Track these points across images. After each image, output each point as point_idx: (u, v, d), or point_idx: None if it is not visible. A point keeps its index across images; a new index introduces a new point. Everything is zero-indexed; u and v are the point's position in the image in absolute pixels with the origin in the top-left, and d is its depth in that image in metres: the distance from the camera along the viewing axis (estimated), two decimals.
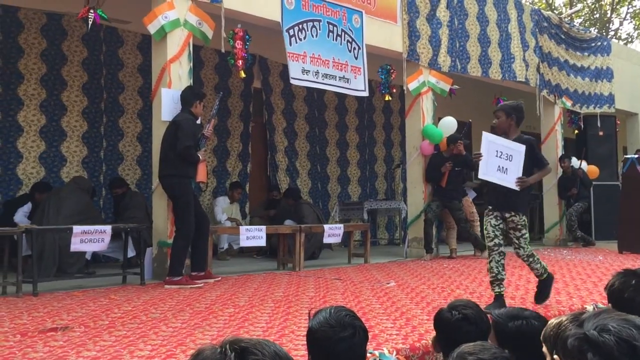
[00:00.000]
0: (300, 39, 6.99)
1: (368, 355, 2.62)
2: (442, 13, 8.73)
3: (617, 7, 26.45)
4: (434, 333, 2.39)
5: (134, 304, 4.44)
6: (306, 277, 6.11)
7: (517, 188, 4.27)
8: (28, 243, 5.33)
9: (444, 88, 8.75)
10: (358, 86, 7.65)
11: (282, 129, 9.91)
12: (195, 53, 6.77)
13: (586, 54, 11.56)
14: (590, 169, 10.73)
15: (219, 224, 8.17)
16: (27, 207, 6.58)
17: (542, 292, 4.47)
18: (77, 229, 5.17)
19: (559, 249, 9.83)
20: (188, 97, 5.71)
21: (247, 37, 6.41)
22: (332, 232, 7.25)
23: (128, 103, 8.14)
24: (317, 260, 7.88)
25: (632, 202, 8.93)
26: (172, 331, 3.49)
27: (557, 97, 10.73)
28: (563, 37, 11.05)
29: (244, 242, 6.47)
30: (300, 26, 7.00)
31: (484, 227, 4.42)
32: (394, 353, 3.02)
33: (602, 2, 26.36)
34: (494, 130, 4.58)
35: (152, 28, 5.87)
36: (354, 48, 7.57)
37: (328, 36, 7.28)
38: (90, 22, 5.65)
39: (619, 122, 12.31)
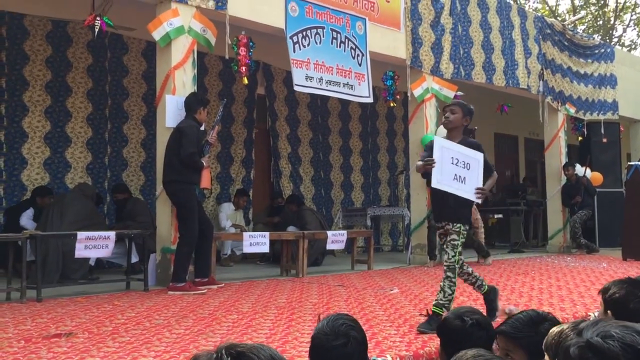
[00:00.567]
0: (304, 46, 7.01)
1: None
2: (445, 20, 8.75)
3: (621, 14, 26.46)
4: (438, 341, 2.39)
5: (138, 310, 4.45)
6: (309, 283, 6.11)
7: (477, 200, 3.96)
8: (32, 249, 5.35)
9: (448, 95, 8.76)
10: (362, 93, 7.67)
11: (286, 135, 9.93)
12: (199, 60, 6.80)
13: (590, 60, 11.57)
14: (594, 176, 10.70)
15: (224, 230, 8.17)
16: (30, 212, 6.61)
17: (430, 320, 3.74)
18: (81, 235, 5.18)
19: (563, 255, 9.80)
20: (192, 103, 5.73)
21: (251, 44, 6.44)
22: (336, 239, 7.25)
23: (132, 109, 8.17)
24: (320, 267, 7.87)
25: (636, 209, 8.90)
26: (175, 337, 3.49)
27: (560, 104, 10.73)
28: (566, 44, 11.06)
29: (247, 249, 6.47)
30: (304, 33, 7.03)
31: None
32: None
33: (606, 9, 26.38)
34: (445, 125, 4.14)
35: (156, 35, 5.90)
36: (358, 55, 7.59)
37: (332, 43, 7.30)
38: (96, 30, 5.69)
39: (622, 129, 12.29)
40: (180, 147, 5.48)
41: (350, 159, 10.91)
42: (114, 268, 7.20)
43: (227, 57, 6.29)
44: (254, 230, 8.46)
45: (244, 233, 6.87)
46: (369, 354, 2.14)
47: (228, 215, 8.49)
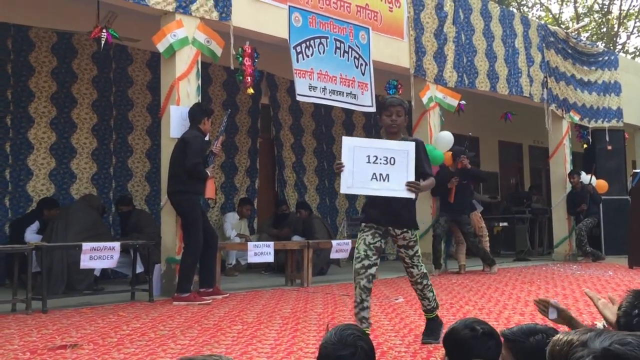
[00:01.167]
0: (308, 56, 7.04)
1: None
2: (449, 29, 8.78)
3: (624, 21, 26.47)
4: (442, 351, 2.37)
5: (143, 320, 4.45)
6: (314, 293, 6.10)
7: (409, 195, 3.53)
8: (37, 260, 5.36)
9: (452, 103, 8.77)
10: (365, 102, 7.68)
11: (290, 144, 9.94)
12: (203, 70, 6.83)
13: (593, 68, 11.57)
14: (599, 184, 10.68)
15: (229, 240, 8.17)
16: (35, 226, 6.62)
17: (433, 331, 3.70)
18: (86, 245, 5.20)
19: (569, 264, 9.76)
20: (196, 114, 5.76)
21: (255, 54, 6.47)
22: (340, 248, 7.24)
23: (137, 120, 8.20)
24: (325, 276, 7.86)
25: None
26: (180, 348, 3.49)
27: (564, 112, 10.73)
28: (570, 51, 11.07)
29: (252, 258, 6.47)
30: (308, 43, 7.06)
31: (356, 246, 3.66)
32: None
33: (609, 17, 26.40)
34: (392, 129, 3.73)
35: (161, 46, 5.94)
36: (361, 64, 7.61)
37: (335, 53, 7.33)
38: (103, 42, 5.73)
39: (627, 136, 12.27)
40: (185, 158, 5.50)
41: None
42: (118, 278, 7.20)
43: (232, 67, 6.32)
44: (258, 239, 8.45)
45: (248, 243, 6.87)
46: None
47: (233, 224, 8.50)
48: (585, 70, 11.37)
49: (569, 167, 10.63)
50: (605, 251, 10.55)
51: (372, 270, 3.58)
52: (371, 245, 3.60)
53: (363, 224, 3.70)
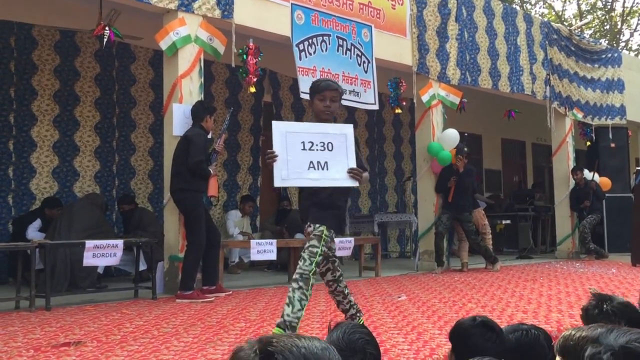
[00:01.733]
0: (310, 54, 7.03)
1: None
2: (451, 26, 8.76)
3: (628, 18, 26.40)
4: (447, 347, 2.37)
5: (146, 318, 4.46)
6: (317, 290, 6.09)
7: (352, 184, 3.18)
8: (41, 258, 5.37)
9: (454, 101, 8.77)
10: (368, 100, 7.68)
11: None
12: (205, 68, 6.83)
13: (597, 65, 11.54)
14: (603, 181, 10.66)
15: (231, 237, 8.18)
16: (37, 223, 6.64)
17: None
18: (89, 243, 5.21)
19: (572, 261, 9.75)
20: (199, 112, 5.76)
21: (260, 53, 6.48)
22: (343, 246, 7.24)
23: (140, 118, 8.21)
24: None
25: None
26: (183, 346, 3.50)
27: (567, 109, 10.70)
28: (573, 49, 11.04)
29: (255, 256, 6.47)
30: (310, 41, 7.05)
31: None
32: None
33: (613, 14, 26.32)
34: (325, 115, 3.38)
35: (163, 44, 5.94)
36: (364, 62, 7.61)
37: (338, 50, 7.32)
38: (105, 40, 5.73)
39: (630, 134, 12.24)
40: (188, 155, 5.50)
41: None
42: (121, 276, 7.22)
43: (233, 65, 6.32)
44: (261, 237, 8.46)
45: (251, 240, 6.88)
46: None
47: (235, 222, 8.51)
48: (588, 67, 11.34)
49: (572, 165, 10.61)
50: (608, 249, 10.54)
51: (328, 276, 3.42)
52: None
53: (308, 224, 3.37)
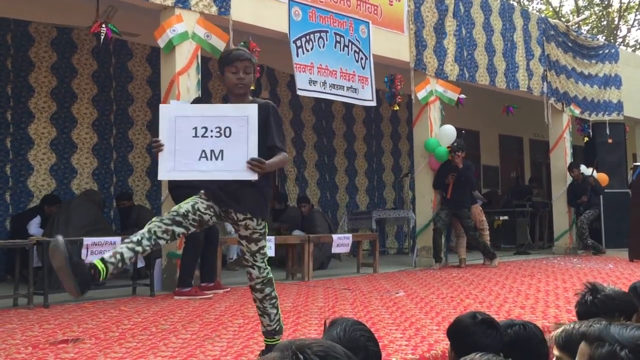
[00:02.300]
0: (308, 50, 7.03)
1: None
2: (449, 22, 8.76)
3: (625, 14, 26.41)
4: (445, 343, 2.38)
5: (144, 315, 4.46)
6: (315, 287, 6.11)
7: (251, 177, 2.74)
8: (39, 255, 5.37)
9: (452, 97, 8.77)
10: (365, 96, 7.68)
11: (290, 139, 9.94)
12: (203, 64, 6.82)
13: (594, 61, 11.55)
14: (600, 177, 10.67)
15: (229, 234, 8.17)
16: (37, 220, 6.64)
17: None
18: (87, 240, 5.20)
19: (569, 257, 9.77)
20: None
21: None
22: (341, 242, 7.25)
23: (137, 115, 8.20)
24: (325, 270, 7.88)
25: None
26: (182, 343, 3.50)
27: (565, 105, 10.71)
28: (570, 45, 11.04)
29: None
30: (308, 37, 7.05)
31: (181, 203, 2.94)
32: None
33: (610, 9, 26.33)
34: (239, 90, 2.99)
35: (161, 42, 5.93)
36: (361, 58, 7.60)
37: (335, 47, 7.32)
38: (102, 37, 5.72)
39: (627, 129, 12.26)
40: None
41: (355, 162, 10.92)
42: (119, 273, 7.20)
43: None
44: None
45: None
46: None
47: None
48: (585, 63, 11.34)
49: (569, 161, 10.62)
50: (605, 244, 10.55)
51: (178, 229, 2.79)
52: (197, 212, 2.86)
53: (202, 192, 2.96)
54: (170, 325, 4.04)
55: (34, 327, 4.04)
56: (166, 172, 2.79)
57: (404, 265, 8.44)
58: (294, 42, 6.89)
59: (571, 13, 26.73)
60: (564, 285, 6.06)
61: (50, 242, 5.25)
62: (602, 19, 26.66)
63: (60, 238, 2.52)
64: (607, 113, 11.64)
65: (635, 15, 26.79)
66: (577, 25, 15.18)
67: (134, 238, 2.73)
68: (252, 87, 6.50)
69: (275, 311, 3.02)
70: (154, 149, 2.77)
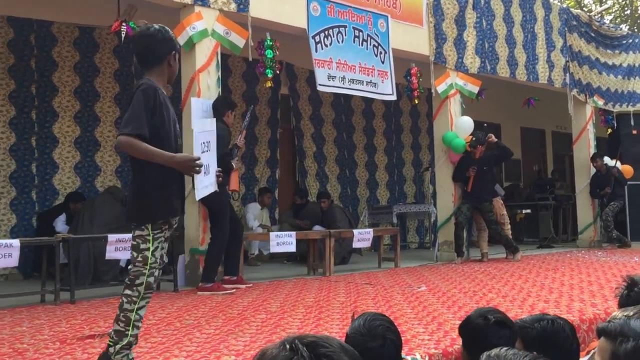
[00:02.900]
0: (326, 45, 7.03)
1: None
2: (469, 14, 8.68)
3: None
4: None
5: (168, 310, 4.52)
6: (336, 282, 6.13)
7: (215, 189, 3.03)
8: (64, 252, 5.46)
9: (472, 90, 8.70)
10: (385, 90, 7.66)
11: (310, 134, 9.95)
12: (223, 61, 6.85)
13: (617, 51, 11.37)
14: (625, 169, 10.52)
15: (251, 230, 8.24)
16: (63, 217, 6.76)
17: None
18: (112, 237, 5.28)
19: (594, 250, 9.66)
20: (220, 106, 5.81)
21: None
22: (362, 237, 7.25)
23: None
24: (347, 265, 7.89)
25: None
26: (205, 337, 3.55)
27: (588, 96, 10.56)
28: (593, 35, 10.88)
29: (274, 248, 6.51)
30: (326, 32, 7.04)
31: (152, 249, 2.72)
32: (427, 358, 3.02)
33: None
34: (173, 80, 3.03)
35: (181, 40, 5.97)
36: (380, 52, 7.58)
37: (354, 41, 7.30)
38: (123, 36, 5.78)
39: None
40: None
41: (375, 157, 10.90)
42: None
43: (250, 58, 6.34)
44: (279, 230, 8.50)
45: (270, 233, 6.92)
46: None
47: (255, 215, 8.55)
48: (609, 53, 11.17)
49: (592, 153, 10.48)
50: (630, 237, 10.41)
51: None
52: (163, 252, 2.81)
53: (161, 221, 2.75)
54: (194, 321, 4.08)
55: (61, 322, 4.11)
56: (200, 189, 2.87)
57: (425, 259, 8.41)
58: (313, 37, 6.89)
59: (594, 3, 26.29)
60: (589, 279, 5.99)
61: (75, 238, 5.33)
62: (626, 9, 26.17)
63: None
64: (631, 104, 11.45)
65: None
66: (599, 15, 14.93)
67: (138, 326, 2.72)
68: (269, 84, 6.64)
69: (121, 324, 2.67)
70: (194, 170, 2.68)
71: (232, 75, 8.98)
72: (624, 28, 17.46)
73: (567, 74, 10.17)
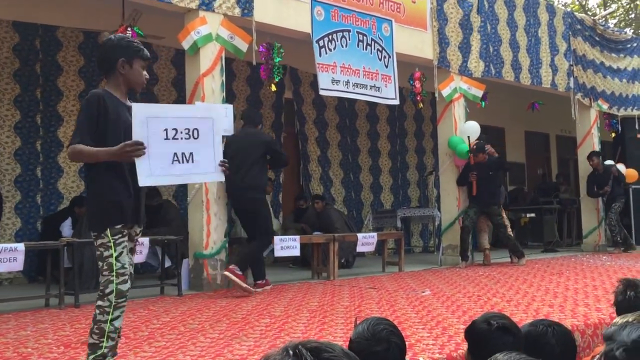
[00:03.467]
0: (330, 50, 7.04)
1: None
2: (474, 18, 8.69)
3: None
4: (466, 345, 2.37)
5: (172, 314, 4.52)
6: (340, 286, 6.12)
7: (220, 178, 2.90)
8: (69, 256, 5.47)
9: (476, 94, 8.70)
10: (389, 94, 7.66)
11: (314, 138, 9.96)
12: (227, 66, 6.87)
13: (622, 55, 11.35)
14: (629, 173, 10.49)
15: None
16: (69, 221, 6.77)
17: None
18: None
19: (598, 254, 9.62)
20: (256, 117, 6.23)
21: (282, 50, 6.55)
22: (366, 241, 7.25)
23: None
24: (351, 269, 7.88)
25: None
26: (210, 342, 3.55)
27: (592, 100, 10.55)
28: (597, 39, 10.87)
29: (279, 252, 6.51)
30: (330, 37, 7.06)
31: (116, 255, 2.66)
32: None
33: (637, 2, 25.79)
34: (141, 88, 2.98)
35: (185, 44, 6.01)
36: (384, 57, 7.58)
37: (358, 46, 7.31)
38: None
39: None
40: (272, 156, 5.94)
41: (379, 161, 10.90)
42: (147, 273, 7.31)
43: (254, 63, 6.35)
44: (283, 234, 8.49)
45: (275, 237, 6.91)
46: None
47: None
48: (613, 57, 11.15)
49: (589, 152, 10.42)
50: (635, 241, 10.38)
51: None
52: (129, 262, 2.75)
53: (120, 226, 2.71)
54: (198, 325, 4.09)
55: (65, 326, 4.12)
56: (145, 177, 2.66)
57: (429, 263, 8.40)
58: (317, 41, 6.91)
59: (598, 6, 26.27)
60: (594, 284, 5.97)
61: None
62: (630, 12, 26.13)
63: None
64: (636, 107, 11.43)
65: None
66: (604, 19, 14.95)
67: (114, 337, 2.69)
68: (273, 88, 6.80)
69: (97, 334, 2.66)
70: (134, 154, 2.60)
71: (236, 80, 9.00)
72: (629, 32, 17.45)
73: (571, 78, 10.16)
